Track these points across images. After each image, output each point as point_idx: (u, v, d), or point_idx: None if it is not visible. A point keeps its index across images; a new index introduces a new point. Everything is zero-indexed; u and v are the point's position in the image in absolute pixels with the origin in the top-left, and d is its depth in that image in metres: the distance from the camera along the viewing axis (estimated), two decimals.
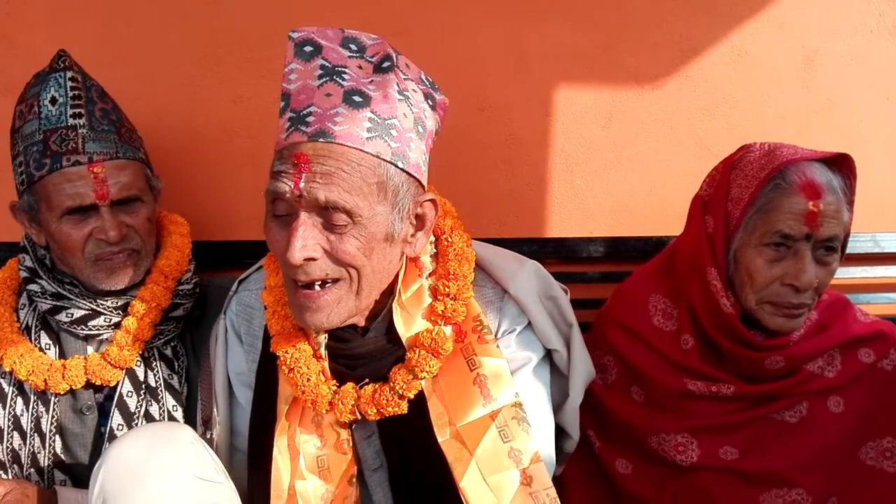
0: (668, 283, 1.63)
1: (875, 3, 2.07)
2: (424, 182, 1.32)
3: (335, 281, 1.26)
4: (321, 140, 1.19)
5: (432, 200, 1.33)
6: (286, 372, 1.35)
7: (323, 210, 1.21)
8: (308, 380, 1.34)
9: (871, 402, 1.53)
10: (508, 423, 1.32)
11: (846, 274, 2.06)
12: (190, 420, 1.61)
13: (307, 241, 1.21)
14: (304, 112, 1.21)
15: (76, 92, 1.55)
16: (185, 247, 1.71)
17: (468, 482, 1.27)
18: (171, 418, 1.61)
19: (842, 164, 1.49)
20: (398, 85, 1.25)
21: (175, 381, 1.64)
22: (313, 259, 1.22)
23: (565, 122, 2.09)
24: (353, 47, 1.28)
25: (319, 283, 1.26)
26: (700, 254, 1.54)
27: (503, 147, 2.10)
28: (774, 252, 1.47)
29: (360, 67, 1.26)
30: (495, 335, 1.40)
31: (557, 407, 1.50)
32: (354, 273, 1.26)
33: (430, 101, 1.33)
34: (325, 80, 1.23)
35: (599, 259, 2.10)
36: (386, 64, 1.26)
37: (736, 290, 1.52)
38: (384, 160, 1.22)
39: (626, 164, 2.11)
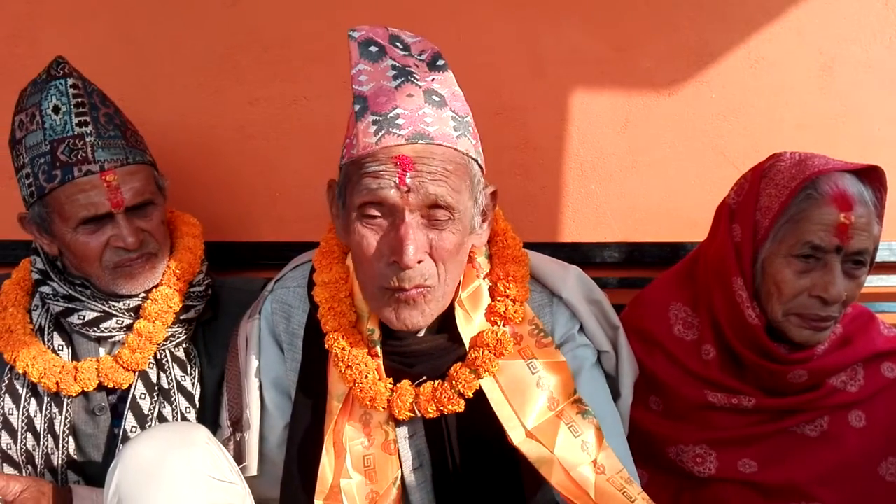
0: (690, 292, 1.62)
1: (894, 10, 2.06)
2: None
3: (429, 287, 1.27)
4: (420, 142, 1.20)
5: (493, 192, 1.37)
6: (343, 369, 1.35)
7: (427, 208, 1.22)
8: (366, 377, 1.34)
9: (893, 418, 1.52)
10: (574, 418, 1.34)
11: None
12: (202, 422, 1.60)
13: (418, 242, 1.22)
14: (392, 114, 1.21)
15: (79, 99, 1.53)
16: (197, 248, 1.70)
17: (558, 480, 1.28)
18: (184, 420, 1.61)
19: (872, 177, 1.47)
20: (455, 82, 1.29)
21: (188, 383, 1.63)
22: (420, 262, 1.24)
23: (580, 126, 2.09)
24: (400, 45, 1.29)
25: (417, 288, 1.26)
26: (726, 263, 1.52)
27: (518, 151, 2.09)
28: (803, 263, 1.46)
29: (417, 66, 1.27)
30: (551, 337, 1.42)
31: None
32: (444, 275, 1.28)
33: None
34: (400, 80, 1.23)
35: (614, 264, 2.09)
36: (441, 62, 1.28)
37: (762, 301, 1.50)
38: (471, 157, 1.27)
39: (641, 170, 2.11)
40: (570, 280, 1.46)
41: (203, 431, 1.34)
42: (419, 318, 1.28)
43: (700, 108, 2.09)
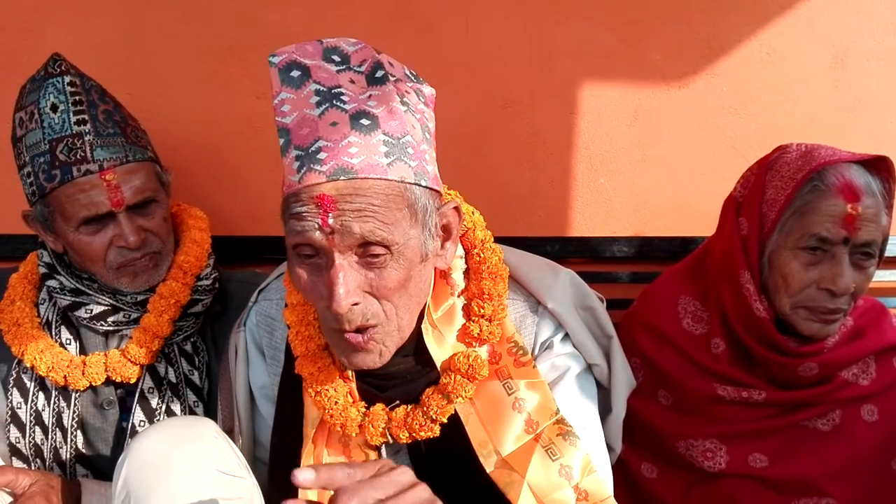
0: (699, 286, 1.60)
1: None
2: (441, 190, 1.26)
3: (374, 326, 1.19)
4: (342, 178, 1.10)
5: (455, 208, 1.26)
6: (312, 395, 1.30)
7: (358, 246, 1.13)
8: (336, 403, 1.29)
9: None
10: (554, 440, 1.26)
11: (876, 277, 2.02)
12: (210, 415, 1.60)
13: (349, 286, 1.13)
14: (313, 148, 1.10)
15: (77, 97, 1.52)
16: (204, 242, 1.69)
17: None
18: (192, 414, 1.61)
19: (880, 167, 1.46)
20: (398, 94, 1.16)
21: (196, 377, 1.63)
22: (357, 304, 1.15)
23: (590, 119, 2.07)
24: (337, 58, 1.17)
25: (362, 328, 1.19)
26: (733, 256, 1.51)
27: (526, 145, 2.08)
28: (811, 256, 1.44)
29: (353, 82, 1.15)
30: (532, 352, 1.35)
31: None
32: (392, 311, 1.19)
33: (422, 99, 1.22)
34: (324, 106, 1.12)
35: (624, 259, 2.08)
36: (379, 73, 1.17)
37: (770, 294, 1.49)
38: (409, 183, 1.15)
39: (651, 164, 2.09)
40: (560, 286, 1.38)
41: (211, 425, 1.33)
42: (376, 360, 1.21)
43: (711, 102, 2.07)
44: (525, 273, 1.38)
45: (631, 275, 2.08)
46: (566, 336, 1.38)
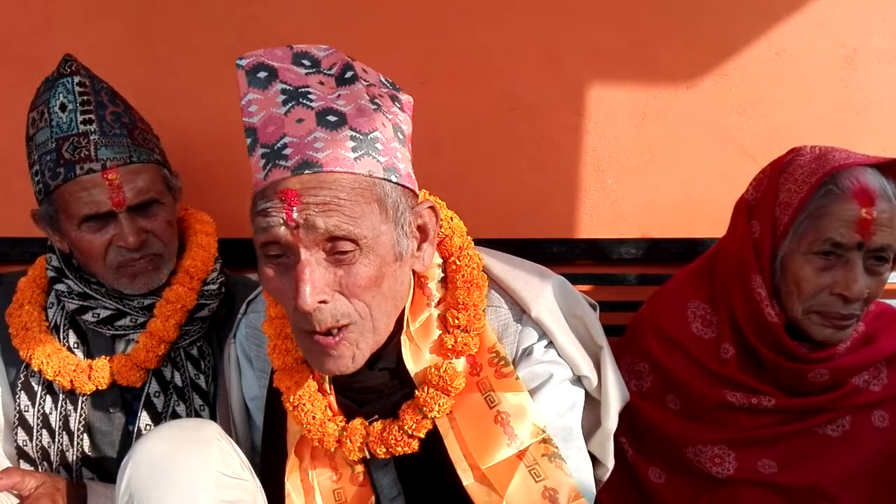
0: (709, 289, 1.58)
1: None
2: (417, 190, 1.25)
3: (347, 325, 1.16)
4: (307, 172, 1.09)
5: (431, 207, 1.24)
6: (290, 409, 1.29)
7: (325, 241, 1.11)
8: (313, 417, 1.27)
9: None
10: (539, 460, 1.22)
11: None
12: (215, 419, 1.61)
13: (316, 282, 1.11)
14: (279, 144, 1.11)
15: (85, 97, 1.53)
16: (210, 246, 1.70)
17: None
18: (198, 417, 1.61)
19: (895, 171, 1.43)
20: (367, 94, 1.16)
21: (202, 381, 1.63)
22: (325, 302, 1.13)
23: (597, 121, 2.07)
24: (307, 62, 1.17)
25: (334, 329, 1.16)
26: (745, 260, 1.49)
27: (534, 146, 2.07)
28: (824, 260, 1.42)
29: (322, 83, 1.16)
30: (514, 361, 1.30)
31: (588, 434, 1.40)
32: (365, 310, 1.16)
33: (397, 104, 1.22)
34: (290, 104, 1.12)
35: (631, 261, 2.07)
36: (349, 74, 1.17)
37: (781, 298, 1.47)
38: (377, 178, 1.14)
39: (659, 165, 2.08)
40: (547, 294, 1.33)
41: (214, 427, 1.33)
42: (348, 364, 1.19)
43: (719, 102, 2.06)
44: (511, 280, 1.34)
45: (639, 277, 2.07)
46: (550, 343, 1.33)
